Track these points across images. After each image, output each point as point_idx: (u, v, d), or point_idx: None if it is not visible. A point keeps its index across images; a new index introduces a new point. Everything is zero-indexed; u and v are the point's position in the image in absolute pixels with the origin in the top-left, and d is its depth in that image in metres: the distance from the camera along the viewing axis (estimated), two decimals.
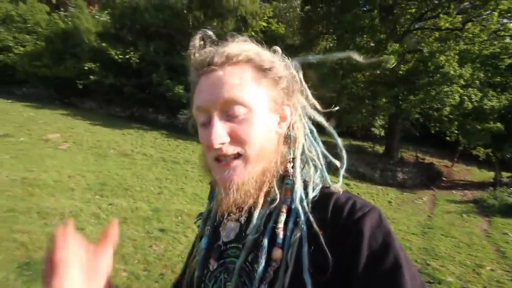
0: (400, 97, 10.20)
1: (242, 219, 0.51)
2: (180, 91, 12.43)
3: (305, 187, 0.49)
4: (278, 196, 0.48)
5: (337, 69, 10.77)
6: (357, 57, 0.52)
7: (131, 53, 13.59)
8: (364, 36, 11.71)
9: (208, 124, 0.46)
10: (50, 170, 5.85)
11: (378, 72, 9.08)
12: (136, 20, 14.69)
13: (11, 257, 2.75)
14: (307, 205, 0.46)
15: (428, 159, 14.29)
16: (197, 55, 0.49)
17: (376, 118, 12.22)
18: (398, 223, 6.04)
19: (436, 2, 10.33)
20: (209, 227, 0.56)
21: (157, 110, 15.00)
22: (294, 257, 0.43)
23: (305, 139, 0.53)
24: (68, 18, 19.55)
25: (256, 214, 0.48)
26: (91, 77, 13.91)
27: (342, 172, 0.52)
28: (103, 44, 13.92)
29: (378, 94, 10.47)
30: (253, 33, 15.65)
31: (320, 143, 0.54)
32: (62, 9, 27.33)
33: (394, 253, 0.41)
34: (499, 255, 4.88)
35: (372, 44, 11.94)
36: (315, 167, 0.51)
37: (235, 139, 0.45)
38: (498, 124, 10.05)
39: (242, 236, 0.50)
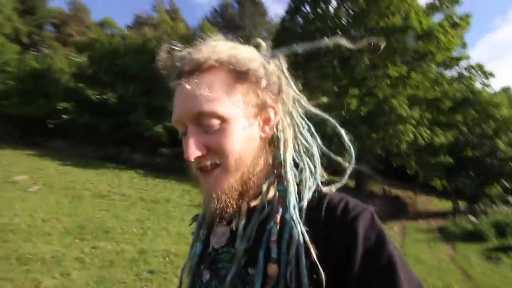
0: (363, 136, 11.45)
1: (233, 225, 0.48)
2: (160, 129, 12.60)
3: (299, 192, 0.46)
4: (266, 205, 0.46)
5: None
6: (345, 42, 0.48)
7: (109, 93, 13.78)
8: (328, 82, 13.40)
9: (185, 136, 0.45)
10: (21, 214, 5.49)
11: (344, 113, 10.30)
12: (115, 63, 15.19)
13: None
14: (301, 212, 0.44)
15: (394, 191, 15.46)
16: (167, 63, 0.46)
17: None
18: None
19: (384, 56, 12.41)
20: (204, 231, 0.54)
21: (133, 149, 14.80)
22: (294, 274, 0.41)
23: (299, 138, 0.50)
24: (41, 58, 19.50)
25: (241, 222, 0.46)
26: (64, 116, 13.64)
27: (350, 168, 0.49)
28: (80, 85, 13.98)
29: (346, 133, 11.67)
30: None
31: (318, 140, 0.51)
32: (32, 49, 27.22)
33: (388, 251, 0.40)
34: (465, 277, 5.42)
35: (335, 89, 13.61)
36: (310, 169, 0.49)
37: (212, 150, 0.44)
38: (448, 158, 11.59)
39: (234, 240, 0.48)
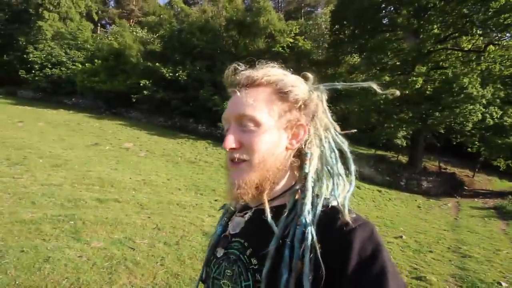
0: (424, 114, 11.40)
1: (247, 216, 0.58)
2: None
3: (314, 202, 0.52)
4: (287, 208, 0.53)
5: (367, 88, 12.05)
6: (376, 87, 0.56)
7: (180, 71, 15.47)
8: (390, 56, 13.02)
9: (227, 131, 0.56)
10: (151, 173, 7.49)
11: (407, 92, 10.32)
12: (183, 42, 16.63)
13: (173, 234, 4.12)
14: (314, 217, 0.50)
15: (450, 168, 15.23)
16: (231, 78, 0.58)
17: (400, 130, 13.39)
18: (430, 222, 7.28)
19: (459, 25, 11.49)
20: (225, 218, 0.66)
21: (197, 120, 16.73)
22: (313, 265, 0.46)
23: (325, 159, 0.56)
24: (111, 36, 21.88)
25: (269, 217, 0.52)
26: (145, 92, 15.86)
27: (348, 195, 0.53)
28: (156, 64, 15.86)
29: (405, 110, 11.72)
30: (280, 49, 17.23)
31: (339, 164, 0.56)
32: (99, 25, 30.09)
33: (381, 262, 0.44)
34: None
35: (398, 63, 13.21)
36: (327, 185, 0.55)
37: (242, 147, 0.54)
38: None
39: (247, 232, 0.57)
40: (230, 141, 0.54)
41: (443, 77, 10.95)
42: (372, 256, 0.45)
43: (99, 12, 29.75)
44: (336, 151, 0.58)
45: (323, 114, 0.58)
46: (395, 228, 6.30)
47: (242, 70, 0.58)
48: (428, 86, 10.91)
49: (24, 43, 23.44)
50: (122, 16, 29.49)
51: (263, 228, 0.53)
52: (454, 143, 14.51)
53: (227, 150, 0.55)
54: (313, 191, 0.53)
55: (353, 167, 0.56)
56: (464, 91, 9.97)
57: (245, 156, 0.54)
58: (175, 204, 5.29)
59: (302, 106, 0.56)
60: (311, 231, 0.48)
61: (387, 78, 11.66)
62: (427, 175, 12.54)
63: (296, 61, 17.88)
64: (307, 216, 0.50)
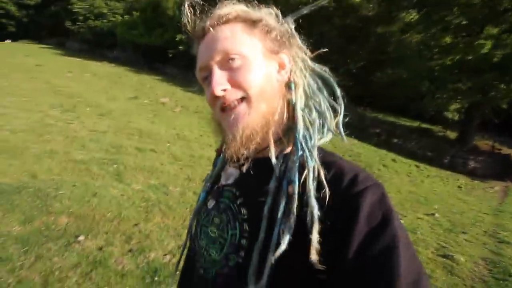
0: (487, 85, 9.85)
1: (244, 168, 0.51)
2: None
3: (308, 130, 0.49)
4: (285, 144, 0.49)
5: (422, 51, 10.60)
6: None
7: None
8: (456, 13, 11.00)
9: (207, 80, 0.50)
10: (184, 128, 7.80)
11: (470, 57, 8.86)
12: None
13: None
14: (312, 146, 0.46)
15: (506, 150, 13.59)
16: (198, 23, 0.51)
17: (453, 101, 11.91)
18: (469, 204, 6.77)
19: None
20: (208, 184, 0.60)
21: None
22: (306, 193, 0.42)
23: (308, 89, 0.52)
24: None
25: (273, 156, 0.47)
26: (180, 47, 15.80)
27: (340, 123, 0.51)
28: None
29: (463, 80, 10.23)
30: (325, 3, 15.47)
31: (325, 93, 0.53)
32: None
33: (392, 231, 0.39)
34: None
35: (464, 22, 11.18)
36: (319, 113, 0.51)
37: (235, 85, 0.47)
38: None
39: (240, 182, 0.52)
40: (218, 84, 0.47)
41: None
42: (382, 223, 0.39)
43: None
44: (318, 80, 0.54)
45: (297, 41, 0.54)
46: (428, 205, 5.99)
47: (203, 11, 0.52)
48: (497, 52, 9.22)
49: None
50: None
51: (259, 179, 0.48)
52: None
53: (217, 95, 0.48)
54: (304, 123, 0.49)
55: (338, 91, 0.52)
56: None
57: (240, 93, 0.48)
58: (206, 158, 5.51)
59: (277, 35, 0.51)
60: (309, 152, 0.45)
61: (448, 40, 10.04)
62: (477, 155, 11.35)
63: (341, 17, 16.07)
64: (302, 140, 0.47)
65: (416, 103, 11.51)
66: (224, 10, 0.50)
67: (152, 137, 6.33)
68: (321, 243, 0.39)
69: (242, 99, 0.48)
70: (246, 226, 0.47)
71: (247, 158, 0.51)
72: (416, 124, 13.71)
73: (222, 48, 0.48)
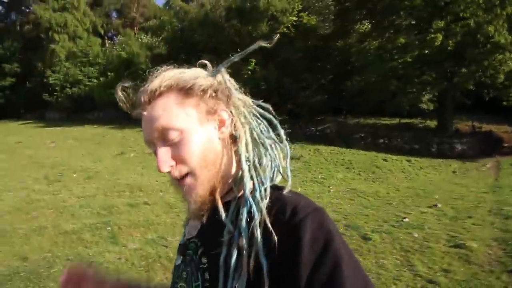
0: (449, 72, 10.53)
1: (204, 219, 0.53)
2: None
3: (256, 179, 0.50)
4: (236, 193, 0.51)
5: (381, 54, 11.37)
6: (264, 43, 0.52)
7: None
8: (404, 16, 12.05)
9: (156, 153, 0.51)
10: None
11: (426, 51, 9.57)
12: (186, 40, 16.65)
13: None
14: (261, 196, 0.48)
15: (485, 127, 14.15)
16: (131, 100, 0.53)
17: (424, 93, 12.53)
18: (468, 187, 6.85)
19: None
20: (185, 226, 0.62)
21: None
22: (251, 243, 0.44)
23: (254, 133, 0.54)
24: (118, 46, 22.45)
25: (222, 215, 0.49)
26: None
27: (288, 167, 0.53)
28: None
29: (427, 72, 10.92)
30: (285, 29, 16.62)
31: (271, 133, 0.55)
32: (106, 38, 30.95)
33: (334, 251, 0.41)
34: None
35: (413, 22, 12.22)
36: (270, 156, 0.53)
37: (179, 160, 0.49)
38: None
39: (201, 232, 0.55)
40: (163, 163, 0.49)
41: (465, 29, 9.99)
42: (324, 246, 0.42)
43: (104, 25, 30.54)
44: (264, 121, 0.56)
45: (235, 91, 0.55)
46: (428, 197, 6.02)
47: (134, 88, 0.54)
48: (450, 42, 10.04)
49: (42, 68, 24.79)
50: (126, 25, 30.04)
51: (216, 226, 0.50)
52: (487, 99, 13.37)
53: (163, 172, 0.50)
54: (249, 170, 0.51)
55: (282, 131, 0.55)
56: (491, 40, 9.06)
57: (185, 169, 0.50)
58: None
59: (213, 93, 0.52)
60: (256, 208, 0.46)
61: (402, 40, 10.87)
62: (460, 137, 11.74)
63: (303, 39, 17.22)
64: (248, 194, 0.48)
65: (390, 102, 12.06)
66: (155, 83, 0.51)
67: (144, 190, 6.22)
68: (275, 280, 0.42)
69: (187, 173, 0.50)
70: (206, 275, 0.49)
71: (206, 209, 0.54)
72: (396, 121, 14.20)
73: (159, 126, 0.49)
